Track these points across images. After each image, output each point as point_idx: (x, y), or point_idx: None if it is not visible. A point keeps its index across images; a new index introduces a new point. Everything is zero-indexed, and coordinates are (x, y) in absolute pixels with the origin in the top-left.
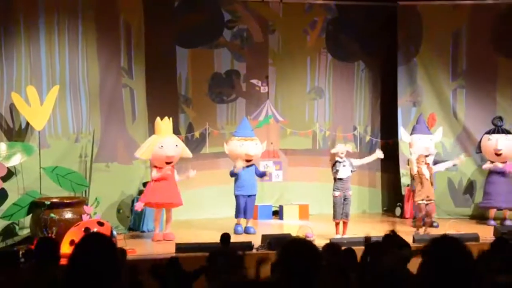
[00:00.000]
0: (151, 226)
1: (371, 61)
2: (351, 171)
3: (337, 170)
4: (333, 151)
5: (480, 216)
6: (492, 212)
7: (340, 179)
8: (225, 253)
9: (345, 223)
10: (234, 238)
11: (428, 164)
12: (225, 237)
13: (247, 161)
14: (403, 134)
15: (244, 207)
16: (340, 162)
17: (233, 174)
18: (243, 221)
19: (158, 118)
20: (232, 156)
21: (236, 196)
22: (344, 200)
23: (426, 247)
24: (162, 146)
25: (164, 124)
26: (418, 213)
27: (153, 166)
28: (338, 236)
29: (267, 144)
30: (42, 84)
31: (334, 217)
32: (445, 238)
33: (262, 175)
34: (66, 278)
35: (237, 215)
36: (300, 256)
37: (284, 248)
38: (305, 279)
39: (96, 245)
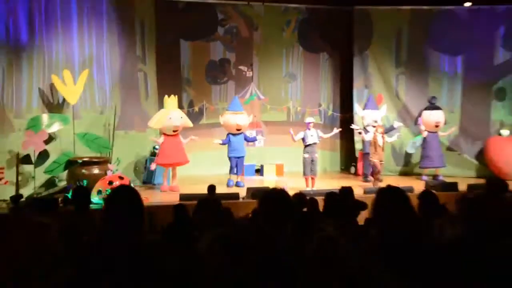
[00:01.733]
0: (160, 180)
1: (333, 52)
2: (318, 139)
3: (305, 138)
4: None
5: (415, 174)
6: (426, 170)
7: (309, 144)
8: (210, 201)
9: (313, 179)
10: (226, 190)
11: (383, 134)
12: (211, 187)
13: (238, 130)
14: (358, 109)
15: (235, 166)
16: (309, 131)
17: (223, 143)
18: (234, 177)
19: (166, 96)
20: (225, 126)
21: (229, 158)
22: (312, 161)
23: (377, 194)
24: (170, 118)
25: (171, 100)
26: (369, 169)
27: (162, 133)
28: (308, 189)
29: (252, 117)
30: (75, 68)
31: (304, 173)
32: (389, 187)
33: (253, 140)
34: (103, 217)
35: (230, 172)
36: (275, 201)
37: (264, 196)
38: (279, 220)
39: (128, 192)
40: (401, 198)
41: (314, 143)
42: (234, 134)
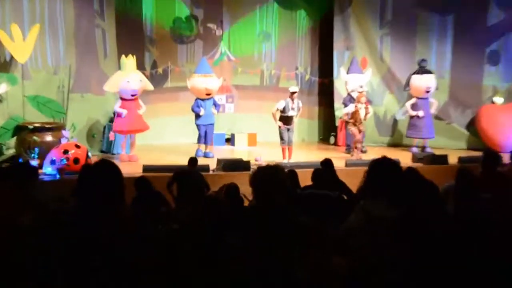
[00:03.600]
0: (120, 150)
1: (311, 10)
2: (298, 112)
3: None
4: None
5: (399, 144)
6: (415, 141)
7: (288, 117)
8: (192, 173)
9: (289, 149)
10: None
11: (367, 103)
12: (193, 160)
13: (207, 94)
14: (342, 73)
15: (204, 135)
16: (290, 102)
17: (193, 111)
18: (202, 147)
19: (123, 56)
20: (193, 90)
21: (197, 125)
22: (288, 130)
23: (370, 166)
24: (128, 82)
25: (129, 61)
26: (350, 141)
27: (120, 98)
28: (285, 161)
29: (222, 81)
30: (24, 23)
31: (281, 143)
32: (383, 158)
33: (218, 108)
34: (77, 194)
35: (198, 141)
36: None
37: (257, 172)
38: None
39: (108, 168)
40: (395, 172)
41: (292, 116)
42: (203, 99)
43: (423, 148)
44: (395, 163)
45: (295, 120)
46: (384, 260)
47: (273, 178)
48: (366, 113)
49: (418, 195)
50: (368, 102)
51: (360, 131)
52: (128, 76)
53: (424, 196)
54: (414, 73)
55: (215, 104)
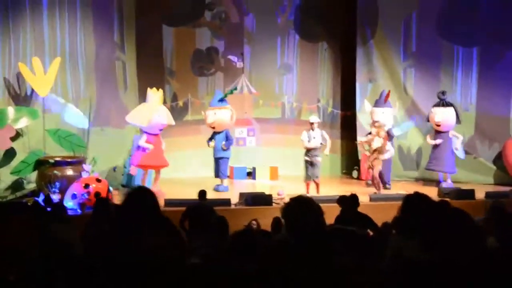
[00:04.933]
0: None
1: (333, 42)
2: (321, 142)
3: (309, 140)
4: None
5: (425, 179)
6: (445, 175)
7: (313, 148)
8: (201, 207)
9: (317, 184)
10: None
11: (385, 138)
12: (202, 192)
13: (212, 127)
14: (366, 106)
15: (216, 168)
16: (312, 132)
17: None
18: (217, 181)
19: (149, 89)
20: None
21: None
22: (311, 164)
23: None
24: (159, 115)
25: (157, 94)
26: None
27: (145, 132)
28: (308, 195)
29: (242, 114)
30: (45, 56)
31: (305, 178)
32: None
33: (229, 143)
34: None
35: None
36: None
37: (289, 205)
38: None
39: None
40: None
41: (316, 146)
42: (215, 132)
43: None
44: (428, 199)
45: (326, 153)
46: None
47: (307, 210)
48: (384, 144)
49: (454, 230)
50: (388, 137)
51: (372, 167)
52: (158, 110)
53: (463, 230)
54: (432, 106)
55: (228, 138)
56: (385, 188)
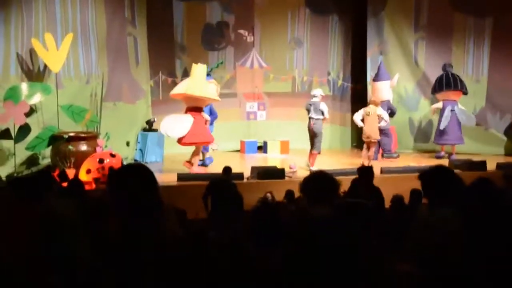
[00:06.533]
0: (152, 158)
1: (343, 15)
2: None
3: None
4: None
5: (436, 151)
6: (443, 147)
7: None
8: (227, 184)
9: (313, 156)
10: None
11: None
12: (227, 169)
13: None
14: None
15: None
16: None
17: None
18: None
19: (194, 63)
20: None
21: None
22: (312, 135)
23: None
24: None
25: (205, 68)
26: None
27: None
28: (313, 168)
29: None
30: (57, 32)
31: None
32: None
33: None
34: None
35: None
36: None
37: (308, 179)
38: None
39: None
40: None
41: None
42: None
43: (449, 155)
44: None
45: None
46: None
47: (326, 185)
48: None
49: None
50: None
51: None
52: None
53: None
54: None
55: (212, 112)
56: (391, 157)
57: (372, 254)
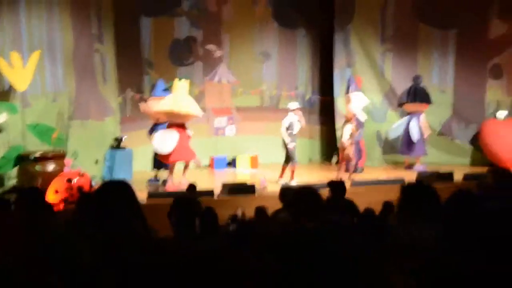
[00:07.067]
0: (121, 176)
1: (311, 28)
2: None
3: (294, 126)
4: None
5: (403, 162)
6: (419, 159)
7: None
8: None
9: (293, 169)
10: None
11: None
12: (191, 186)
13: (156, 118)
14: (354, 97)
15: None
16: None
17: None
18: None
19: (177, 79)
20: (148, 113)
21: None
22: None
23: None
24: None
25: (187, 84)
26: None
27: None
28: (293, 181)
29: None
30: (23, 49)
31: (292, 164)
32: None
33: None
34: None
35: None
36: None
37: (294, 195)
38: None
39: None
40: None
41: (297, 132)
42: (157, 124)
43: (411, 166)
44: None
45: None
46: None
47: (310, 199)
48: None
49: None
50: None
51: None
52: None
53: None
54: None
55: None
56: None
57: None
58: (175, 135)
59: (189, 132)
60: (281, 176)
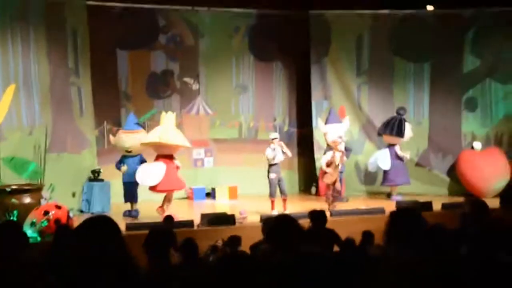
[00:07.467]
0: (99, 208)
1: (287, 61)
2: (283, 156)
3: (274, 156)
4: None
5: (381, 193)
6: (395, 189)
7: (275, 164)
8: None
9: (284, 200)
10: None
11: (342, 152)
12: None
13: (128, 152)
14: (320, 124)
15: (129, 192)
16: (276, 148)
17: (116, 168)
18: (130, 205)
19: (164, 112)
20: (117, 147)
21: (123, 183)
22: (279, 181)
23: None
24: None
25: (174, 116)
26: (328, 192)
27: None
28: (275, 212)
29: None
30: None
31: (270, 195)
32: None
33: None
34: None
35: (125, 200)
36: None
37: (272, 224)
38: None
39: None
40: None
41: (280, 161)
42: (126, 157)
43: (388, 195)
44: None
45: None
46: None
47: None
48: (341, 160)
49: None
50: (345, 150)
51: (335, 181)
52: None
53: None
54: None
55: (142, 162)
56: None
57: None
58: (162, 166)
59: (177, 162)
60: (273, 208)
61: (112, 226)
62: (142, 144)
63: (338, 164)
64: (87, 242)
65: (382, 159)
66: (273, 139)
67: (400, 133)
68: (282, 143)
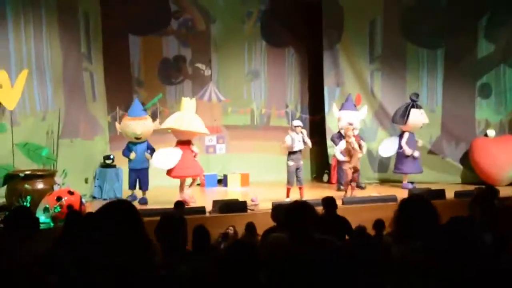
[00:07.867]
0: (111, 194)
1: (299, 47)
2: (304, 144)
3: (292, 144)
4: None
5: (394, 180)
6: (407, 176)
7: (295, 151)
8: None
9: (301, 189)
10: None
11: (357, 138)
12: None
13: (136, 138)
14: (334, 109)
15: (135, 180)
16: (296, 135)
17: (124, 155)
18: (137, 193)
19: (184, 97)
20: (123, 134)
21: (129, 170)
22: (297, 169)
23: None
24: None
25: (194, 102)
26: (343, 179)
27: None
28: (288, 199)
29: (212, 121)
30: (11, 68)
31: (288, 183)
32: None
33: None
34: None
35: (129, 187)
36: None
37: (288, 209)
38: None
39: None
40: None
41: (300, 150)
42: (134, 143)
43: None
44: (426, 201)
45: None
46: None
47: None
48: (360, 146)
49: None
50: (359, 137)
51: (356, 170)
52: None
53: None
54: (412, 107)
55: (149, 148)
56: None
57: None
58: (178, 152)
59: (195, 148)
60: (288, 195)
61: (134, 210)
62: (160, 129)
63: (354, 148)
64: (111, 224)
65: (384, 146)
66: (295, 126)
67: (401, 118)
68: (304, 132)
